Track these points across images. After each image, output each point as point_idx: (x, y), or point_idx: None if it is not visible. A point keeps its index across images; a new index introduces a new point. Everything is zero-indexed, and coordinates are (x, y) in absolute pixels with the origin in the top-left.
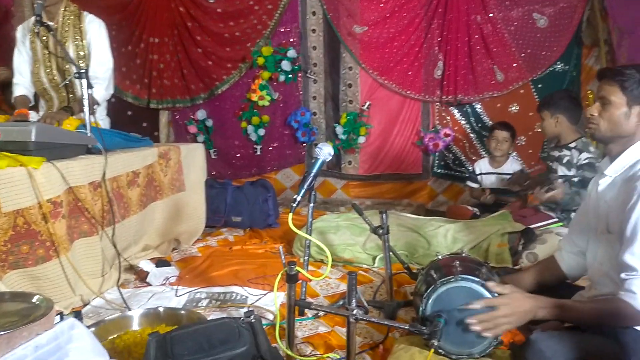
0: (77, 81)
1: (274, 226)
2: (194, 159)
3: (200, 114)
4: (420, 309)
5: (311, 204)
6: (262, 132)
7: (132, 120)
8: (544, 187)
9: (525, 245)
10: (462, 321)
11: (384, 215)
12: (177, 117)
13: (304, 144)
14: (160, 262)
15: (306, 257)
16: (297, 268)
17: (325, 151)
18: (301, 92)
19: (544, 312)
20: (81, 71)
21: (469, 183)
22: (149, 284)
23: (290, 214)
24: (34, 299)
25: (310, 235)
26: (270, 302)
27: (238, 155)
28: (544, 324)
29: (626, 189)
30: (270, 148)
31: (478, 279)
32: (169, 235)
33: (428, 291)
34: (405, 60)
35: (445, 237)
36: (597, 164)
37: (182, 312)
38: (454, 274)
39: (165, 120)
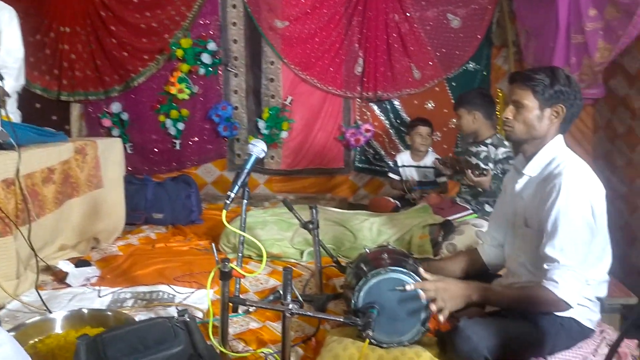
0: None
1: (197, 222)
2: (111, 154)
3: (115, 107)
4: (353, 301)
5: (244, 200)
6: (181, 126)
7: (40, 114)
8: (476, 171)
9: (444, 237)
10: (392, 311)
11: (314, 210)
12: (90, 110)
13: (226, 139)
14: (80, 262)
15: (240, 254)
16: (231, 265)
17: (259, 147)
18: (222, 86)
19: (477, 296)
20: None
21: (390, 175)
22: (68, 285)
23: (224, 211)
24: None
25: (244, 231)
26: (199, 299)
27: (156, 150)
28: (467, 311)
29: (544, 187)
30: (190, 142)
31: (406, 270)
32: (87, 234)
33: (359, 284)
34: (326, 56)
35: (371, 230)
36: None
37: (109, 313)
38: (383, 266)
39: (77, 113)
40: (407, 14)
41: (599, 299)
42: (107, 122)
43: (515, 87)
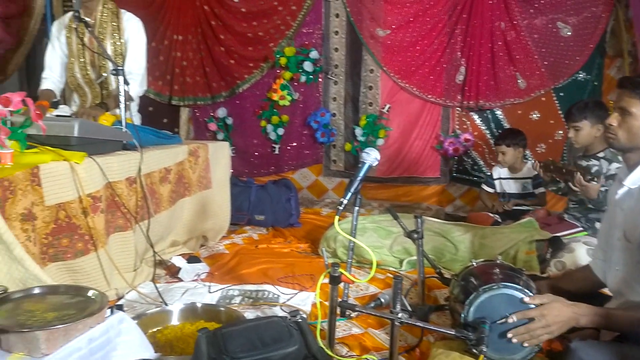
0: (112, 77)
1: (295, 225)
2: (219, 157)
3: (221, 112)
4: (462, 315)
5: (356, 207)
6: (281, 131)
7: (153, 116)
8: (588, 176)
9: (553, 254)
10: (503, 327)
11: (419, 220)
12: (198, 114)
13: (323, 145)
14: (191, 258)
15: (349, 260)
16: (341, 270)
17: (372, 156)
18: (321, 93)
19: (586, 320)
20: (118, 68)
21: (484, 186)
22: (180, 280)
23: (337, 217)
24: (89, 293)
25: (354, 237)
26: (302, 301)
27: (256, 153)
28: (580, 332)
29: None
30: (288, 147)
31: (520, 287)
32: (196, 232)
33: (470, 298)
34: (427, 64)
35: (473, 242)
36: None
37: (221, 308)
38: (495, 281)
39: (185, 117)
40: (514, 22)
41: None
42: (212, 126)
43: (623, 93)
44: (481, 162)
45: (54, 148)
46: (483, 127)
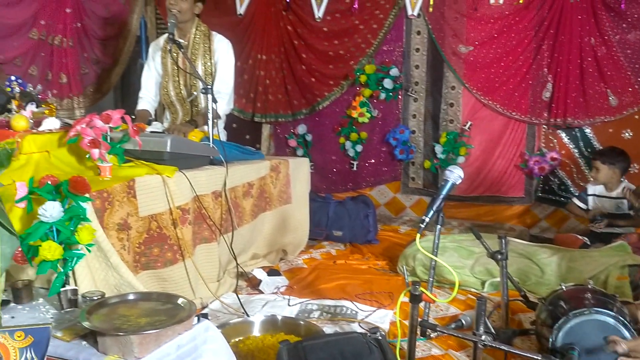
0: (201, 96)
1: (373, 242)
2: (299, 173)
3: (301, 129)
4: (550, 340)
5: (438, 226)
6: (359, 148)
7: (236, 132)
8: None
9: None
10: (594, 356)
11: (504, 241)
12: (279, 130)
13: (401, 162)
14: (271, 271)
15: (431, 279)
16: (421, 289)
17: (455, 174)
18: (401, 110)
19: None
20: (208, 87)
21: (574, 200)
22: (260, 292)
23: (418, 235)
24: (179, 301)
25: (436, 256)
26: (380, 319)
27: (335, 169)
28: None
29: None
30: (366, 164)
31: (613, 313)
32: (276, 245)
33: (559, 322)
34: (511, 80)
35: (560, 265)
36: None
37: (301, 322)
38: (586, 306)
39: (267, 133)
40: (605, 37)
41: None
42: (292, 143)
43: None
44: (569, 182)
45: (148, 162)
46: (571, 146)
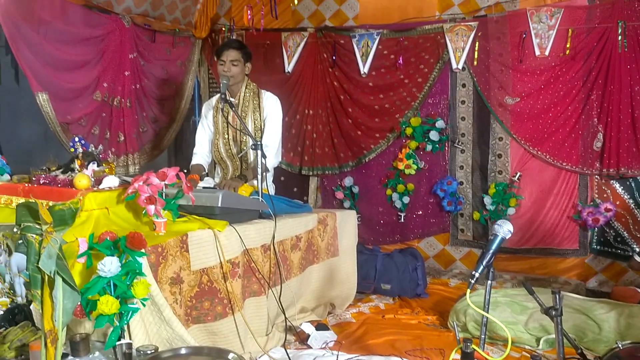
0: (251, 151)
1: (422, 296)
2: (346, 225)
3: (348, 181)
4: None
5: (489, 281)
6: (406, 199)
7: (284, 185)
8: None
9: None
10: None
11: (558, 296)
12: (326, 183)
13: (449, 213)
14: (319, 326)
15: (483, 336)
16: (473, 346)
17: (505, 228)
18: (448, 162)
19: None
20: (257, 142)
21: (636, 257)
22: (309, 347)
23: (468, 290)
24: (229, 356)
25: (487, 312)
26: None
27: (382, 221)
28: None
29: None
30: (414, 216)
31: None
32: (324, 299)
33: None
34: (560, 131)
35: (618, 322)
36: None
37: None
38: None
39: (314, 186)
40: None
41: None
42: (339, 195)
43: None
44: (625, 234)
45: (200, 217)
46: (626, 196)
